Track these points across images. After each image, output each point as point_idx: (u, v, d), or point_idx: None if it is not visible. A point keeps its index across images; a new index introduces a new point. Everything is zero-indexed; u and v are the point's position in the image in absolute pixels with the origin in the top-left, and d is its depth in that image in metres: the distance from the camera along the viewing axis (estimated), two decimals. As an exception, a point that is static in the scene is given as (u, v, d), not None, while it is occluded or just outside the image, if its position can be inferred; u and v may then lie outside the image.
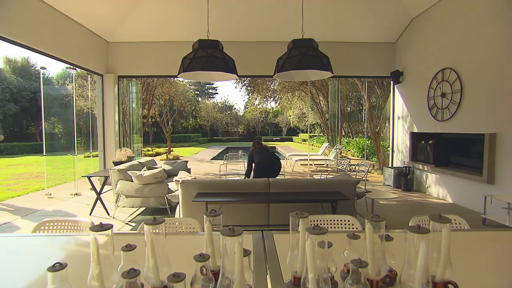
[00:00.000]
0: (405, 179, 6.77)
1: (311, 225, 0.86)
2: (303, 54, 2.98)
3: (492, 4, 4.72)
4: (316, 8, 6.17)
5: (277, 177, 4.94)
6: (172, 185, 4.91)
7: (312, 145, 22.52)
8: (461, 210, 5.16)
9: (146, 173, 4.70)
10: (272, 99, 21.48)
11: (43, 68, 21.99)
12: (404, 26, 7.18)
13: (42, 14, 5.14)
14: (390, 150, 8.22)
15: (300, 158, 11.01)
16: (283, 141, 34.29)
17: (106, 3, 6.03)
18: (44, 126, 20.32)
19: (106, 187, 5.40)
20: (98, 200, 4.97)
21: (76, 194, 6.41)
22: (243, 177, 6.58)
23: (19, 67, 24.66)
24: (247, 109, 39.09)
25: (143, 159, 6.24)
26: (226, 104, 39.97)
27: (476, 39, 5.04)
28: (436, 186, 6.17)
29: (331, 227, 1.88)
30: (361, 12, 6.72)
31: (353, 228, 1.86)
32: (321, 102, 16.76)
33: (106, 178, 5.20)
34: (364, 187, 5.20)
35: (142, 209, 5.18)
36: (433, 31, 6.19)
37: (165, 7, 6.48)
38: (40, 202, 6.01)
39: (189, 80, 21.92)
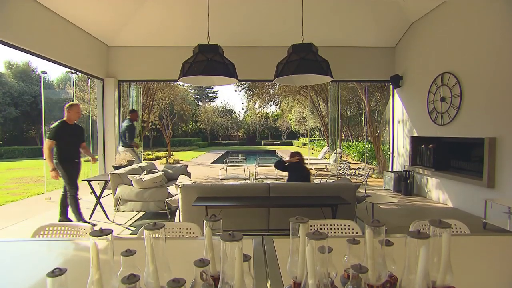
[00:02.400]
0: (405, 183, 6.76)
1: (311, 230, 0.86)
2: (302, 58, 3.00)
3: (491, 9, 4.76)
4: (316, 13, 6.22)
5: (277, 181, 4.93)
6: (172, 189, 4.91)
7: (312, 149, 22.51)
8: (461, 215, 5.15)
9: (146, 177, 4.70)
10: (272, 103, 21.53)
11: (43, 72, 22.11)
12: (403, 31, 7.22)
13: (43, 18, 5.17)
14: (390, 154, 8.22)
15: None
16: (283, 145, 34.33)
17: (107, 8, 6.07)
18: (45, 130, 20.34)
19: (106, 191, 5.39)
20: (98, 204, 4.96)
21: (76, 198, 6.38)
22: (243, 181, 6.57)
23: (20, 71, 24.77)
24: (247, 113, 39.18)
25: (143, 163, 6.23)
26: (226, 108, 40.10)
27: (475, 43, 5.06)
28: (437, 190, 6.16)
29: (331, 232, 1.88)
30: (361, 17, 6.76)
31: (353, 233, 1.86)
32: (321, 106, 16.80)
33: (106, 182, 5.19)
34: (364, 191, 5.20)
35: (142, 213, 5.17)
36: (432, 35, 6.23)
37: (166, 11, 6.52)
38: (39, 206, 6.00)
39: (189, 84, 21.99)
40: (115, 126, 7.44)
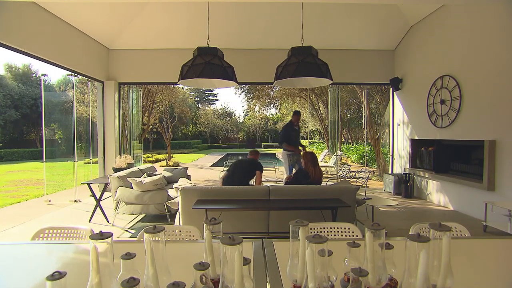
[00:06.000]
0: (405, 186, 6.75)
1: (311, 233, 0.86)
2: (301, 61, 3.01)
3: (490, 11, 4.78)
4: (316, 16, 6.24)
5: (276, 184, 4.91)
6: (172, 192, 4.90)
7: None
8: (462, 217, 5.14)
9: (146, 180, 4.69)
10: (272, 105, 21.56)
11: (44, 75, 22.06)
12: (403, 34, 7.25)
13: (44, 21, 5.19)
14: (390, 157, 8.22)
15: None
16: (283, 148, 34.21)
17: (107, 11, 6.10)
18: (45, 132, 20.37)
19: (106, 194, 5.39)
20: (98, 207, 4.95)
21: (76, 200, 6.38)
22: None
23: (20, 73, 24.82)
24: (247, 116, 39.17)
25: (143, 166, 6.23)
26: (226, 110, 40.09)
27: (475, 46, 5.08)
28: (437, 193, 6.15)
29: (331, 235, 1.87)
30: (361, 20, 6.79)
31: (353, 236, 1.85)
32: (321, 108, 16.81)
33: (106, 184, 5.18)
34: (364, 194, 5.20)
35: (141, 216, 5.16)
36: (431, 38, 6.25)
37: (166, 14, 6.55)
38: (39, 209, 5.99)
39: (190, 87, 22.02)
40: (115, 129, 7.45)
